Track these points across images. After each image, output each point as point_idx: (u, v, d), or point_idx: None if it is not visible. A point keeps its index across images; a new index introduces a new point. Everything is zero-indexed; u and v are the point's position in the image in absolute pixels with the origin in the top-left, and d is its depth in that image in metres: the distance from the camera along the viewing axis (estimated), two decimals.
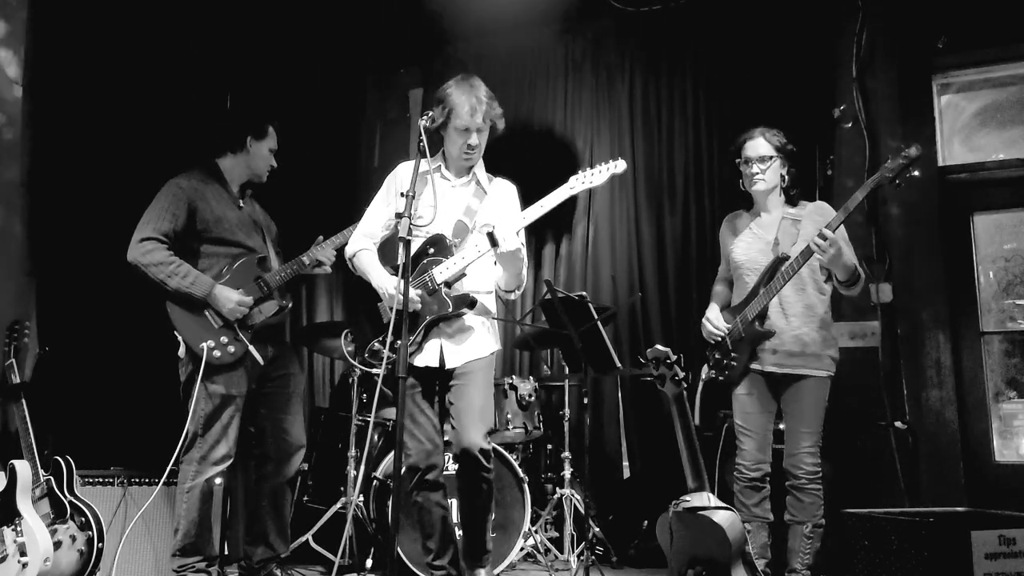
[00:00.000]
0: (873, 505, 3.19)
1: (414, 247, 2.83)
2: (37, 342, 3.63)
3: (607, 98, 5.01)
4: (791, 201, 3.25)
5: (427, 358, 2.89)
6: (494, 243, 2.74)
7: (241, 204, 3.40)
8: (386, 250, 3.13)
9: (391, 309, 2.78)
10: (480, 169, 3.07)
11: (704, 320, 3.32)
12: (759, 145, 3.20)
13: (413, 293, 2.73)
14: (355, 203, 5.53)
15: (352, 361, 3.92)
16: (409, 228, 2.59)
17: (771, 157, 3.19)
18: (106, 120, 4.04)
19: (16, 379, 3.23)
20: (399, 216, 2.61)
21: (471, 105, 2.88)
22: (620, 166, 2.88)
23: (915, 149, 2.92)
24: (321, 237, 3.42)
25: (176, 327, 3.17)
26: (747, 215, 3.33)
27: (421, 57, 5.53)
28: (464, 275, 2.90)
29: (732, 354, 3.18)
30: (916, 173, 2.95)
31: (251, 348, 3.19)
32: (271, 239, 3.48)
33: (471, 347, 2.91)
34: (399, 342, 2.54)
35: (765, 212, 3.27)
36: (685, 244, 4.68)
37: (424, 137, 2.72)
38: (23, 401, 3.19)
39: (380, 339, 2.84)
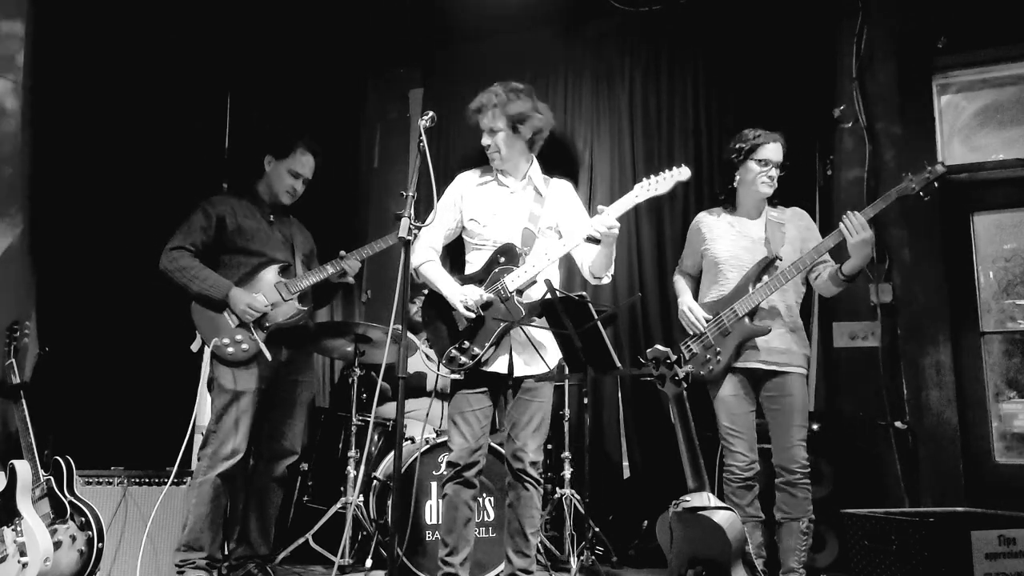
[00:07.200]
0: (873, 505, 3.19)
1: (484, 256, 3.02)
2: (37, 342, 3.63)
3: (607, 98, 5.00)
4: (771, 204, 3.29)
5: (497, 365, 2.96)
6: (596, 241, 2.89)
7: (271, 219, 3.48)
8: (452, 259, 3.24)
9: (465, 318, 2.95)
10: (535, 172, 3.12)
11: (685, 309, 3.28)
12: (780, 150, 3.22)
13: (483, 300, 2.90)
14: (355, 203, 5.56)
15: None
16: (409, 228, 2.62)
17: (784, 164, 3.22)
18: (106, 121, 4.04)
19: (16, 379, 3.23)
20: (398, 217, 2.64)
21: (475, 107, 3.01)
22: (684, 173, 2.95)
23: (940, 166, 3.04)
24: (343, 252, 3.47)
25: (197, 327, 3.31)
26: (724, 213, 3.33)
27: (421, 57, 5.54)
28: (535, 282, 2.96)
29: (717, 350, 3.15)
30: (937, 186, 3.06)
31: (262, 346, 3.27)
32: (302, 253, 3.56)
33: (539, 360, 2.97)
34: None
35: (750, 213, 3.28)
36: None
37: (424, 137, 2.72)
38: (23, 401, 3.19)
39: (457, 345, 2.94)
